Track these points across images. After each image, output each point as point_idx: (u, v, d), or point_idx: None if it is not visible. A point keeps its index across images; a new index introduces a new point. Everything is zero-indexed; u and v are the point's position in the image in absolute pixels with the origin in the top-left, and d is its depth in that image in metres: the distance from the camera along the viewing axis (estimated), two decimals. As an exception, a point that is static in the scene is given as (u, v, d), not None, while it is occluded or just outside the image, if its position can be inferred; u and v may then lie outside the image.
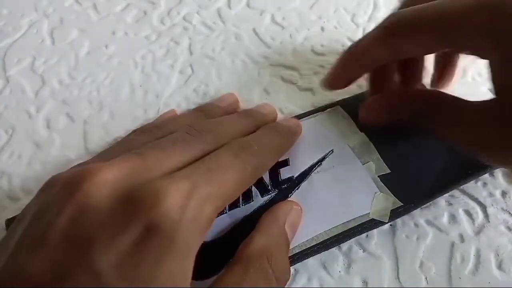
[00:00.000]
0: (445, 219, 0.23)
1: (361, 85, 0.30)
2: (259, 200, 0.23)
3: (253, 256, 0.19)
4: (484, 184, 0.25)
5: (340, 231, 0.22)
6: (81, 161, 0.23)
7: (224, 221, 0.22)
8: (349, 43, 0.32)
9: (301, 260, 0.21)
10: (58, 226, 0.16)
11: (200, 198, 0.17)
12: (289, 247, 0.20)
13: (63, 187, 0.17)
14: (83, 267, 0.15)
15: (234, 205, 0.22)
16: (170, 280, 0.16)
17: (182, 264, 0.16)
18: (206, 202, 0.17)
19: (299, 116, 0.27)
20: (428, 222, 0.23)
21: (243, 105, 0.28)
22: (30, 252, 0.16)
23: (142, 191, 0.16)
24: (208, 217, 0.17)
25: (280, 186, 0.23)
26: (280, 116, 0.28)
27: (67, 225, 0.16)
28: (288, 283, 0.21)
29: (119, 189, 0.17)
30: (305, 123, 0.26)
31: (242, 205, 0.23)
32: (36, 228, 0.16)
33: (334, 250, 0.22)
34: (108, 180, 0.17)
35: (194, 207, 0.17)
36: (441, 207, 0.24)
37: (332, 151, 0.25)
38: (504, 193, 0.24)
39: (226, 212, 0.22)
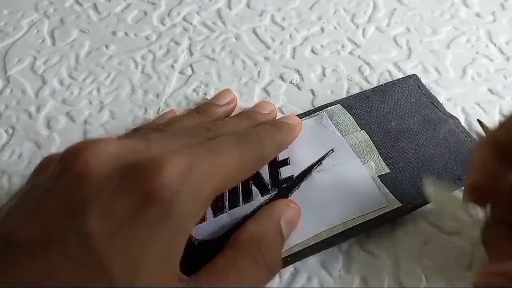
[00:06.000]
0: (445, 218, 0.23)
1: (361, 84, 0.30)
2: (259, 199, 0.23)
3: (244, 241, 0.19)
4: (484, 184, 0.24)
5: (340, 231, 0.22)
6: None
7: (224, 221, 0.22)
8: (348, 43, 0.33)
9: (301, 259, 0.21)
10: (54, 191, 0.16)
11: (200, 173, 0.17)
12: (283, 240, 0.20)
13: (62, 157, 0.17)
14: (74, 230, 0.15)
15: (234, 204, 0.22)
16: (162, 252, 0.15)
17: (176, 238, 0.16)
18: (206, 179, 0.17)
19: (299, 117, 0.27)
20: (428, 222, 0.23)
21: (240, 103, 0.29)
22: (22, 217, 0.15)
23: (142, 161, 0.16)
24: (206, 195, 0.17)
25: (280, 186, 0.23)
26: (279, 115, 0.28)
27: (63, 190, 0.16)
28: (288, 282, 0.21)
29: (119, 160, 0.16)
30: (305, 122, 0.26)
31: (242, 204, 0.23)
32: (31, 195, 0.16)
33: (334, 249, 0.22)
34: (110, 151, 0.16)
35: (194, 181, 0.16)
36: (441, 206, 0.24)
37: (332, 150, 0.25)
38: (504, 193, 0.24)
39: (226, 212, 0.22)
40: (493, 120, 0.27)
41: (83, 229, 0.15)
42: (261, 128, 0.22)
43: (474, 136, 0.26)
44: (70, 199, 0.15)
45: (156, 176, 0.16)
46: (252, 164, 0.20)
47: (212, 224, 0.22)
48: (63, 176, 0.16)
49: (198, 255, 0.21)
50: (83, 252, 0.14)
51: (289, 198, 0.23)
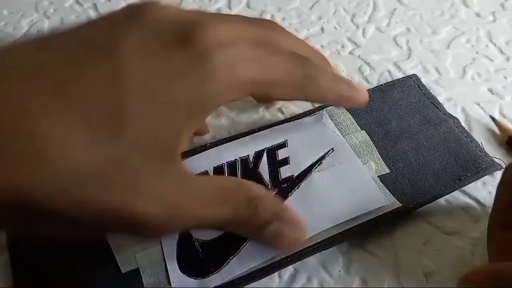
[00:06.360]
0: (445, 218, 0.23)
1: (361, 84, 0.30)
2: (259, 199, 0.23)
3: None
4: (484, 183, 0.24)
5: (340, 230, 0.22)
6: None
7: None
8: (348, 44, 0.33)
9: (301, 259, 0.21)
10: (103, 18, 0.16)
11: (241, 53, 0.17)
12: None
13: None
14: (107, 43, 0.15)
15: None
16: (182, 97, 0.15)
17: (199, 93, 0.16)
18: (245, 63, 0.17)
19: (299, 116, 0.27)
20: (428, 222, 0.23)
21: (242, 104, 0.28)
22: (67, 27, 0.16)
23: (192, 19, 0.16)
24: (240, 77, 0.16)
25: (280, 185, 0.23)
26: (279, 116, 0.28)
27: (113, 19, 0.16)
28: (288, 282, 0.21)
29: (173, 17, 0.16)
30: (305, 121, 0.26)
31: (242, 204, 0.22)
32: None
33: (334, 249, 0.22)
34: (169, 10, 0.17)
35: (231, 55, 0.16)
36: (441, 206, 0.24)
37: (332, 150, 0.25)
38: (504, 193, 0.24)
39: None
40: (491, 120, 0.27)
41: (115, 43, 0.15)
42: (324, 69, 0.20)
43: (474, 136, 0.26)
44: (116, 22, 0.16)
45: (198, 31, 0.16)
46: (299, 83, 0.19)
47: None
48: (120, 12, 0.16)
49: (199, 256, 0.21)
50: (108, 59, 0.15)
51: (289, 198, 0.23)
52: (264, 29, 0.19)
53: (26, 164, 0.13)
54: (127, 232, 0.16)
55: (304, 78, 0.19)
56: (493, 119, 0.27)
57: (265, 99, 0.27)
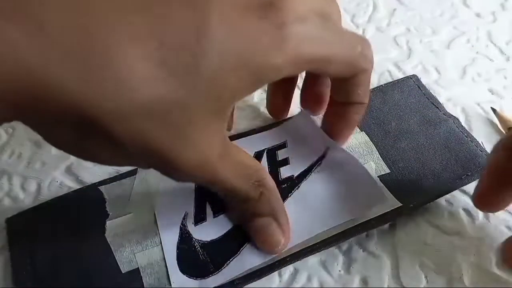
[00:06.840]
0: (445, 218, 0.23)
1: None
2: (259, 199, 0.23)
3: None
4: (484, 184, 0.24)
5: (340, 231, 0.22)
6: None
7: (224, 221, 0.22)
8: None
9: (301, 259, 0.21)
10: None
11: (313, 33, 0.17)
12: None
13: None
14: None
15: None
16: (252, 58, 0.16)
17: (266, 60, 0.16)
18: (314, 40, 0.17)
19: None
20: (428, 222, 0.23)
21: (242, 104, 0.28)
22: None
23: None
24: (306, 54, 0.17)
25: (280, 186, 0.23)
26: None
27: None
28: (288, 282, 0.21)
29: None
30: (305, 121, 0.26)
31: (242, 204, 0.22)
32: None
33: (334, 249, 0.22)
34: None
35: (305, 33, 0.17)
36: (441, 206, 0.24)
37: (332, 150, 0.25)
38: (504, 193, 0.24)
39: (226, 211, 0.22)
40: (493, 119, 0.27)
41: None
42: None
43: (475, 135, 0.26)
44: None
45: (282, 2, 0.16)
46: (348, 66, 0.20)
47: (213, 225, 0.22)
48: None
49: (200, 256, 0.21)
50: (197, 8, 0.15)
51: (289, 198, 0.23)
52: (328, 5, 0.20)
53: (103, 89, 0.13)
54: (158, 170, 0.17)
55: (360, 55, 0.20)
56: (494, 110, 0.27)
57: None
